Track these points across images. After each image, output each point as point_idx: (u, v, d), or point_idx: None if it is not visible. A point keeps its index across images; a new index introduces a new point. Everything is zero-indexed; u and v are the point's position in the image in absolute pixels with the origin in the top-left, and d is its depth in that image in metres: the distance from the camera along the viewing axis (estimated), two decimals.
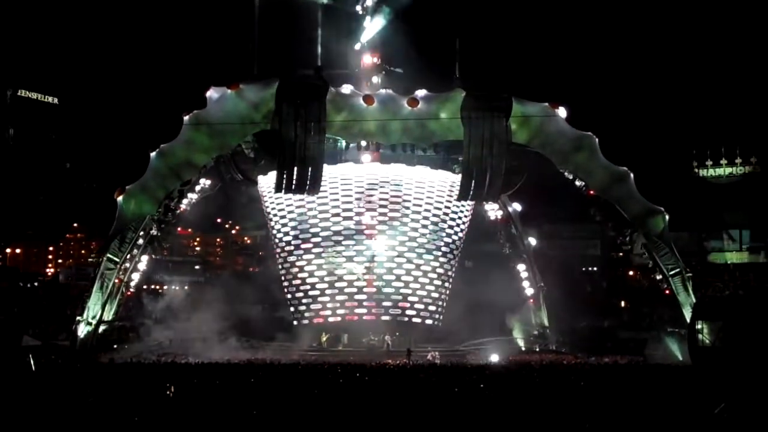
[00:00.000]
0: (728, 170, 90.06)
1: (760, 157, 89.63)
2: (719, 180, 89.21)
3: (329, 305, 58.72)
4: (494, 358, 51.98)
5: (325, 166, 54.82)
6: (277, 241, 61.29)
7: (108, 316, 52.16)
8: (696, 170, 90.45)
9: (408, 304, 59.21)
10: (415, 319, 59.35)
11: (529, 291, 62.97)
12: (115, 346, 52.19)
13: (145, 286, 64.32)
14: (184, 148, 53.03)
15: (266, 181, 59.57)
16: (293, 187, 54.07)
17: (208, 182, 57.63)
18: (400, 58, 64.44)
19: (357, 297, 58.65)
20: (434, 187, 60.33)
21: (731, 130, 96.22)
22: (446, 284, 61.23)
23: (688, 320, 50.25)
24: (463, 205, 60.99)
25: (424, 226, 59.97)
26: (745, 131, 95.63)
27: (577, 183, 56.60)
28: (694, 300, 52.94)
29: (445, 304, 61.22)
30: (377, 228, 59.11)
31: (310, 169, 53.49)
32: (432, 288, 60.22)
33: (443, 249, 60.89)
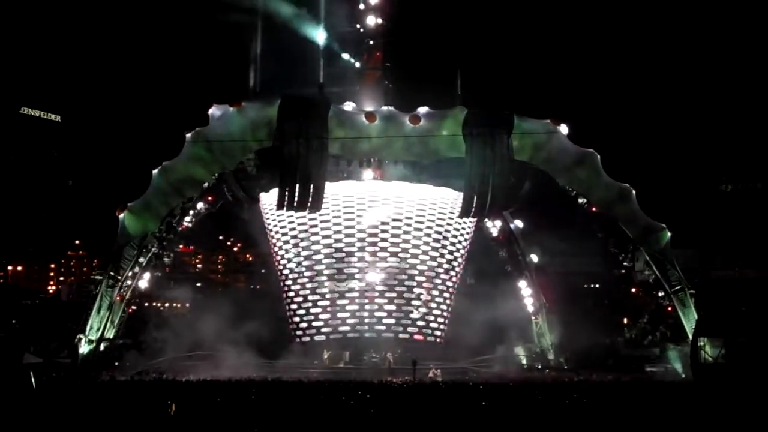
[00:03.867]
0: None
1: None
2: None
3: (331, 322, 58.59)
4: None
5: (326, 183, 54.94)
6: (279, 258, 61.22)
7: (109, 333, 52.16)
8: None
9: (410, 321, 59.13)
10: (417, 336, 59.19)
11: (531, 308, 62.79)
12: (116, 364, 52.01)
13: (146, 304, 64.16)
14: (187, 165, 53.20)
15: (268, 199, 59.59)
16: (295, 204, 54.10)
17: (210, 199, 57.64)
18: (401, 75, 64.71)
19: (359, 314, 58.55)
20: (436, 204, 60.33)
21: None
22: (448, 301, 61.12)
23: (691, 337, 50.10)
24: (464, 222, 60.98)
25: (426, 243, 59.91)
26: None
27: (580, 200, 56.62)
28: (696, 316, 52.79)
29: (447, 321, 61.08)
30: (379, 245, 59.09)
31: (311, 186, 53.57)
32: (434, 305, 60.09)
33: (445, 266, 60.82)
